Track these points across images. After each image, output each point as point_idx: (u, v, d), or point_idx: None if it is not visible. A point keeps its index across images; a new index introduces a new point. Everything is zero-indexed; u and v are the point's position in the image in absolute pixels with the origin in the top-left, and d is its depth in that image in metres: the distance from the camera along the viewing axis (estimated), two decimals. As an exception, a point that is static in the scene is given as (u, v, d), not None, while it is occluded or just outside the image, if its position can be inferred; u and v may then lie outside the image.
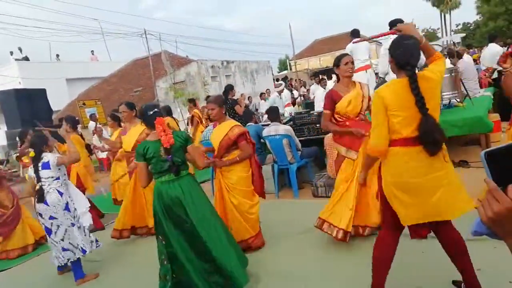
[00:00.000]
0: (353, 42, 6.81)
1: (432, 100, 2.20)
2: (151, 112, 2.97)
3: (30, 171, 3.80)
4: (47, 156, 3.73)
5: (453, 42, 16.73)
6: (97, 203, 5.88)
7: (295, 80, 18.86)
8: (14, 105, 9.02)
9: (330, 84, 11.23)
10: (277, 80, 21.00)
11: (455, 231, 2.39)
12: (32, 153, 3.71)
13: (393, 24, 5.66)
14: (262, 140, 5.72)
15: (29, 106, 9.17)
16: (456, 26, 42.17)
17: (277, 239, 4.00)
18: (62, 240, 3.67)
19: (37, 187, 3.66)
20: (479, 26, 38.46)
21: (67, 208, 3.70)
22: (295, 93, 15.53)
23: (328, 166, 5.12)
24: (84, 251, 3.71)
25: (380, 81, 6.16)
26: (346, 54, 3.47)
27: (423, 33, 39.49)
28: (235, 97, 7.85)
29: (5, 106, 9.42)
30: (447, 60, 8.25)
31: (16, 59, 20.14)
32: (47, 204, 3.62)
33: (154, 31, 19.15)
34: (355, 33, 7.34)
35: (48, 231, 3.69)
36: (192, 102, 9.11)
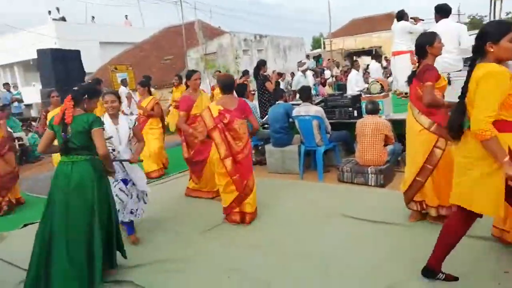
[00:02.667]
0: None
1: None
2: (76, 89, 3.13)
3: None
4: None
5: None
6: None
7: (328, 59, 18.39)
8: (49, 64, 9.22)
9: (374, 65, 10.85)
10: (307, 57, 20.52)
11: None
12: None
13: (439, 8, 5.34)
14: (290, 120, 5.61)
15: (64, 66, 9.36)
16: (507, 15, 39.57)
17: (296, 221, 3.97)
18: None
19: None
20: (530, 16, 36.02)
21: None
22: (327, 73, 15.17)
23: (357, 152, 4.99)
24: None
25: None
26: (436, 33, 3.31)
27: (469, 19, 37.41)
28: (266, 73, 7.68)
29: (41, 65, 9.64)
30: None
31: (54, 19, 20.45)
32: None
33: (189, 0, 18.87)
34: (401, 15, 6.98)
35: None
36: (246, 74, 9.18)
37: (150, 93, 6.45)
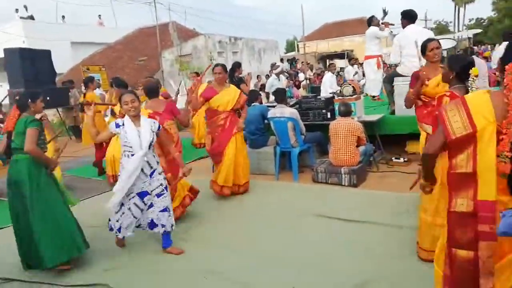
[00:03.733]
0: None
1: None
2: (17, 98, 3.33)
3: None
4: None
5: (468, 37, 16.48)
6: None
7: (302, 62, 18.67)
8: (18, 64, 8.91)
9: (349, 68, 11.09)
10: (281, 60, 20.77)
11: None
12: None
13: (405, 14, 5.55)
14: (266, 121, 5.69)
15: (33, 66, 9.07)
16: (469, 21, 41.42)
17: (272, 221, 4.03)
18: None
19: None
20: (492, 22, 37.81)
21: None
22: (301, 75, 15.40)
23: (330, 153, 5.12)
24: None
25: (393, 71, 6.08)
26: (432, 40, 3.51)
27: (435, 25, 38.86)
28: (241, 75, 7.74)
29: (8, 64, 9.30)
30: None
31: (21, 17, 19.77)
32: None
33: (163, 0, 18.70)
34: (370, 21, 7.21)
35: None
36: (198, 75, 8.81)
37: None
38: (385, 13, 7.18)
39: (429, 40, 3.52)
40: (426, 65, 3.57)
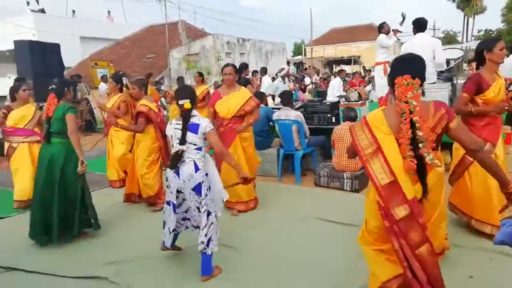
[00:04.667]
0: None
1: None
2: (50, 88, 3.78)
3: (168, 128, 3.11)
4: (199, 119, 3.01)
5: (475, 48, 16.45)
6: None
7: (309, 66, 18.69)
8: (27, 56, 8.99)
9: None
10: (288, 63, 20.80)
11: None
12: (188, 104, 2.94)
13: (415, 22, 5.57)
14: (270, 123, 5.72)
15: (42, 59, 9.15)
16: (478, 32, 41.29)
17: (273, 222, 4.06)
18: (186, 212, 3.14)
19: (175, 149, 2.99)
20: (501, 34, 37.67)
21: (198, 188, 2.94)
22: (307, 79, 15.41)
23: (334, 157, 5.14)
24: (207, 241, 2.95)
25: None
26: (500, 39, 3.22)
27: (443, 34, 38.81)
28: (248, 76, 7.78)
29: (18, 57, 9.39)
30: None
31: (32, 10, 19.93)
32: (178, 176, 2.96)
33: (173, -1, 18.73)
34: (379, 28, 7.24)
35: (174, 206, 3.08)
36: (202, 76, 8.53)
37: (121, 91, 5.64)
38: (403, 17, 7.18)
39: (498, 39, 3.25)
40: (484, 68, 3.25)
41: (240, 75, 7.71)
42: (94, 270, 3.20)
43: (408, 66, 2.06)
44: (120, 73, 6.07)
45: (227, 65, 4.38)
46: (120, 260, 3.36)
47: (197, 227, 3.07)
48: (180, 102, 2.95)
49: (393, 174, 1.89)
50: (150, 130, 4.47)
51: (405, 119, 1.88)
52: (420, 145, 1.86)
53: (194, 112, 3.03)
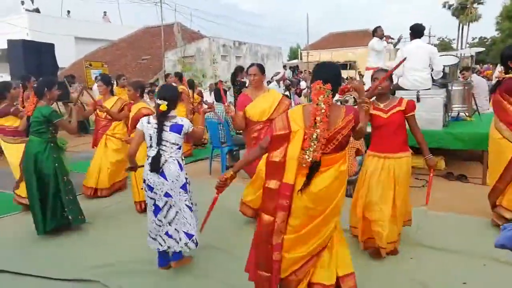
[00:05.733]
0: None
1: None
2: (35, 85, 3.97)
3: (147, 126, 2.97)
4: (182, 119, 3.01)
5: (471, 55, 16.60)
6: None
7: (304, 70, 18.73)
8: (20, 55, 8.94)
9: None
10: (284, 67, 20.85)
11: None
12: (164, 106, 2.88)
13: (414, 29, 5.59)
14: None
15: (36, 58, 9.10)
16: (473, 40, 41.77)
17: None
18: (170, 224, 3.00)
19: (153, 150, 2.93)
20: (495, 42, 38.13)
21: (184, 186, 2.98)
22: (303, 84, 15.44)
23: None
24: (190, 236, 2.98)
25: (394, 84, 6.09)
26: None
27: (438, 41, 39.16)
28: (244, 80, 7.77)
29: (11, 56, 9.34)
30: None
31: (27, 10, 19.82)
32: (164, 178, 2.90)
33: (169, 1, 18.61)
34: (372, 32, 7.28)
35: (157, 209, 2.99)
36: (178, 76, 8.18)
37: (112, 93, 5.54)
38: (399, 40, 7.31)
39: None
40: None
41: (235, 78, 7.72)
42: (85, 273, 3.14)
43: (322, 72, 2.27)
44: (103, 76, 5.71)
45: (252, 65, 4.02)
46: (112, 263, 3.30)
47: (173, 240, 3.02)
48: (158, 101, 2.92)
49: (284, 157, 2.18)
50: None
51: (311, 119, 2.13)
52: (311, 143, 2.10)
53: (172, 112, 2.98)
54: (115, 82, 7.16)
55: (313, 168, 2.13)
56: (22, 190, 4.39)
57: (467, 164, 5.81)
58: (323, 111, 2.11)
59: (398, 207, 3.12)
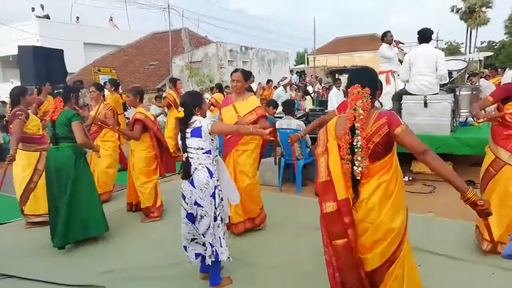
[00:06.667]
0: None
1: None
2: (55, 92, 3.84)
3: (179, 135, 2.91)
4: (200, 121, 2.86)
5: (479, 60, 16.46)
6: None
7: (311, 75, 18.73)
8: (30, 61, 9.03)
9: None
10: (291, 72, 20.88)
11: None
12: (181, 113, 2.86)
13: (421, 34, 5.57)
14: (272, 132, 5.68)
15: (45, 64, 9.18)
16: (481, 44, 41.44)
17: (274, 232, 4.02)
18: (204, 235, 2.86)
19: (183, 158, 2.88)
20: (504, 46, 37.79)
21: (213, 195, 2.84)
22: (309, 88, 15.43)
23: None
24: (217, 256, 2.86)
25: (401, 89, 6.06)
26: None
27: (446, 45, 38.93)
28: (252, 85, 7.78)
29: (21, 62, 9.44)
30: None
31: (37, 16, 20.11)
32: (193, 185, 2.82)
33: (177, 7, 18.73)
34: (382, 37, 7.22)
35: (191, 218, 2.89)
36: (173, 81, 8.14)
37: (104, 99, 5.65)
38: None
39: None
40: None
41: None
42: (91, 278, 3.15)
43: (360, 76, 2.15)
44: (97, 84, 5.80)
45: (235, 70, 4.03)
46: (117, 268, 3.31)
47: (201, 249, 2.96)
48: (179, 109, 2.91)
49: (329, 174, 2.10)
50: (145, 139, 4.42)
51: (346, 125, 2.04)
52: (356, 150, 2.00)
53: (194, 118, 2.87)
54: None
55: (354, 180, 2.06)
56: (32, 208, 4.34)
57: (475, 170, 5.74)
58: (361, 117, 2.01)
59: None
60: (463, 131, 5.60)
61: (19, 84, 9.65)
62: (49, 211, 3.78)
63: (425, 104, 5.26)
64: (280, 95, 9.55)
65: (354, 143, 2.00)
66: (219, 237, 2.88)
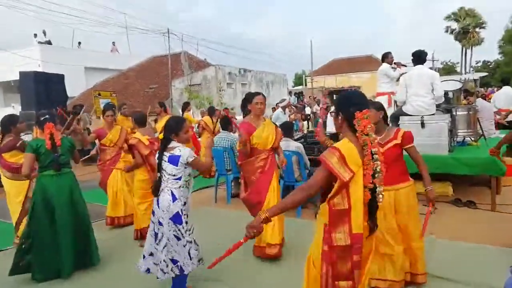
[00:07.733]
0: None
1: None
2: (42, 118, 3.66)
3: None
4: (180, 150, 2.96)
5: (474, 79, 16.67)
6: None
7: (309, 96, 18.91)
8: (31, 87, 9.17)
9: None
10: (289, 93, 21.09)
11: None
12: (161, 135, 3.04)
13: (416, 55, 5.66)
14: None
15: (46, 89, 9.33)
16: (476, 63, 42.06)
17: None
18: (162, 252, 2.99)
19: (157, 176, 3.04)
20: (499, 65, 38.34)
21: (176, 219, 2.93)
22: (308, 110, 15.56)
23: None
24: (175, 261, 2.97)
25: (398, 110, 6.12)
26: None
27: (442, 65, 39.47)
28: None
29: (23, 87, 9.59)
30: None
31: (39, 42, 20.44)
32: (158, 205, 2.98)
33: (176, 32, 19.03)
34: (383, 57, 7.30)
35: (154, 235, 3.05)
36: (163, 106, 8.02)
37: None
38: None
39: None
40: None
41: (246, 104, 7.77)
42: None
43: (362, 100, 2.06)
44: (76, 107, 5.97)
45: (258, 93, 4.03)
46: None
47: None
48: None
49: (349, 202, 1.91)
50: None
51: (367, 151, 1.93)
52: (376, 175, 1.91)
53: (174, 143, 2.99)
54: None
55: (373, 206, 1.95)
56: None
57: (475, 190, 5.74)
58: (377, 140, 1.98)
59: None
60: (461, 151, 5.62)
61: (20, 109, 9.78)
62: (36, 243, 3.57)
63: (423, 125, 5.30)
64: (279, 116, 9.61)
65: (377, 168, 1.91)
66: (188, 253, 2.97)
